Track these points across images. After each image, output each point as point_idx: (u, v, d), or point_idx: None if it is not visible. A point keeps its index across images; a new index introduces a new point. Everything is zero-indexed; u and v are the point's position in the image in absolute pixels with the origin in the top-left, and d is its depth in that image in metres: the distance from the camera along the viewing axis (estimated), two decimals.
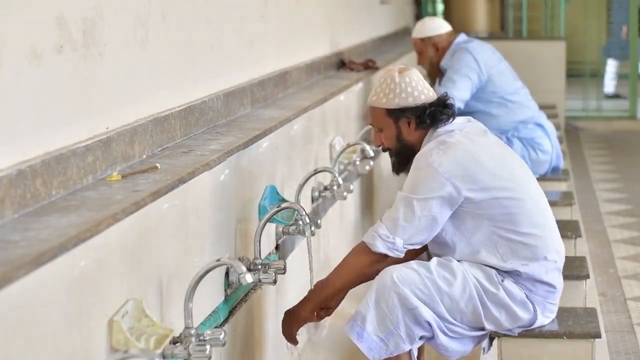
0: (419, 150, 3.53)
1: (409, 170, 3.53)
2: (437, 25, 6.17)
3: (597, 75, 12.26)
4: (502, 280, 3.46)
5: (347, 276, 3.48)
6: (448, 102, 3.56)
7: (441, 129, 3.52)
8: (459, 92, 5.92)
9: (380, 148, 3.67)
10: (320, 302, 3.50)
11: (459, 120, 3.58)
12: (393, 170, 3.69)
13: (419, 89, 3.56)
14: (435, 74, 6.28)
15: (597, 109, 11.78)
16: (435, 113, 3.53)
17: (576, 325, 3.59)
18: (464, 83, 6.00)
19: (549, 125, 6.28)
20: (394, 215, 3.39)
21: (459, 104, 5.85)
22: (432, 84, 6.19)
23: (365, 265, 3.45)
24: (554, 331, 3.54)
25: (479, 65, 6.02)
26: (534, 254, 3.47)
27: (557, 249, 3.54)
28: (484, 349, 3.56)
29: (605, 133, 11.35)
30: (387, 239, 3.37)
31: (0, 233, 2.11)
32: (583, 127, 11.49)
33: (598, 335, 3.58)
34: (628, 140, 10.97)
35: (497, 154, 3.53)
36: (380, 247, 3.38)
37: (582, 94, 11.93)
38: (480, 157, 3.45)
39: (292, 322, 3.51)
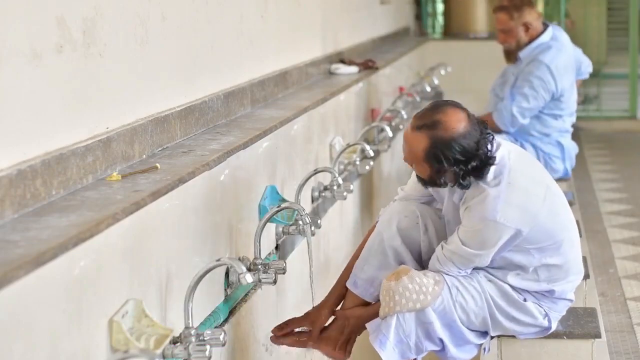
0: None
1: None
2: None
3: (597, 75, 12.25)
4: (525, 300, 3.44)
5: None
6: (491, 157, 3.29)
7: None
8: (530, 112, 5.68)
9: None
10: None
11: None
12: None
13: None
14: (512, 58, 5.85)
15: (597, 109, 11.77)
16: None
17: (576, 325, 3.59)
18: (536, 102, 5.68)
19: (570, 146, 5.92)
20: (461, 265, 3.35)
21: (523, 121, 5.68)
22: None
23: None
24: (554, 331, 3.54)
25: (557, 88, 5.68)
26: (566, 273, 3.45)
27: (580, 266, 3.52)
28: (484, 349, 3.56)
29: (605, 133, 11.35)
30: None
31: (0, 233, 2.11)
32: (583, 127, 11.49)
33: (598, 335, 3.58)
34: (628, 140, 10.98)
35: (542, 178, 3.42)
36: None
37: (582, 94, 11.93)
38: (537, 193, 3.33)
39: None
